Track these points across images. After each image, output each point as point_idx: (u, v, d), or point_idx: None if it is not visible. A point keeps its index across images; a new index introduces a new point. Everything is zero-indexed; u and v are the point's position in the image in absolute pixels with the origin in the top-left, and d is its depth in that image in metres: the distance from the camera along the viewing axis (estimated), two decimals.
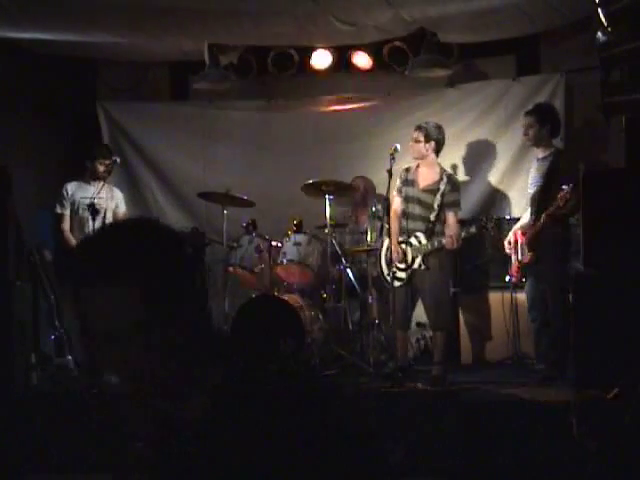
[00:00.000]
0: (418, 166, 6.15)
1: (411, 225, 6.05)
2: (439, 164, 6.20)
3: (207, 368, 1.36)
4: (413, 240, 6.07)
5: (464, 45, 7.35)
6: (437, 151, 6.18)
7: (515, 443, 4.92)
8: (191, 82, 7.95)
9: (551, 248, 6.03)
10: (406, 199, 6.09)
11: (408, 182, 6.13)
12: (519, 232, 6.25)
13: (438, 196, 6.06)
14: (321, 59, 7.65)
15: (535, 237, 6.01)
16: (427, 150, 6.15)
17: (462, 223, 6.30)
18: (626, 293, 4.95)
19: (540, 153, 6.17)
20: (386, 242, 6.30)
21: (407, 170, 6.23)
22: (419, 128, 6.19)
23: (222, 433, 1.29)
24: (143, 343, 1.28)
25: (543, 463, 4.80)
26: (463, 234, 6.00)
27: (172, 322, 1.30)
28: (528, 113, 6.21)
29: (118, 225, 1.38)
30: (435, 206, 6.06)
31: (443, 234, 6.03)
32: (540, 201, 6.04)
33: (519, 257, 6.19)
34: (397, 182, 6.26)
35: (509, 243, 6.26)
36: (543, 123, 6.12)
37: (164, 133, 8.09)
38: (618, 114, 5.33)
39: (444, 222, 6.10)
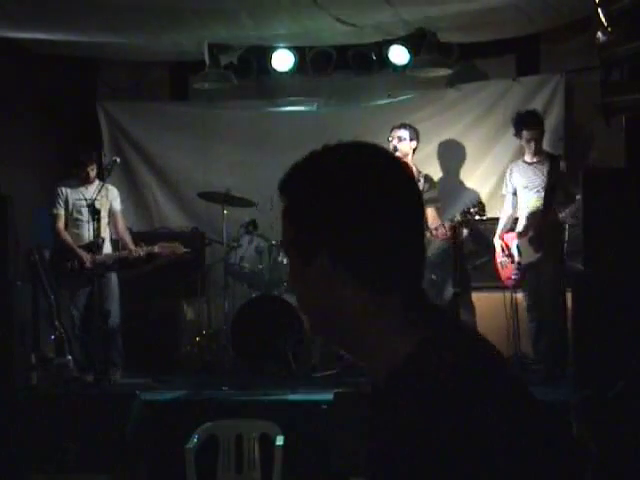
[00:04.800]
0: None
1: None
2: (414, 164, 6.31)
3: (400, 334, 1.16)
4: None
5: (464, 45, 7.35)
6: (414, 152, 6.31)
7: None
8: (191, 82, 7.95)
9: (551, 248, 6.06)
10: None
11: None
12: (508, 235, 6.28)
13: None
14: (320, 59, 7.65)
15: (539, 237, 6.03)
16: (410, 149, 6.26)
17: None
18: (626, 293, 4.95)
19: (533, 158, 6.21)
20: None
21: None
22: (404, 126, 6.27)
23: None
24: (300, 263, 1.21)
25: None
26: (448, 223, 6.07)
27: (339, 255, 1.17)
28: (533, 126, 6.19)
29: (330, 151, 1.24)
30: None
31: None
32: (547, 203, 6.07)
33: (516, 259, 6.20)
34: None
35: (502, 250, 6.28)
36: (541, 131, 6.21)
37: (164, 133, 8.08)
38: (618, 114, 5.33)
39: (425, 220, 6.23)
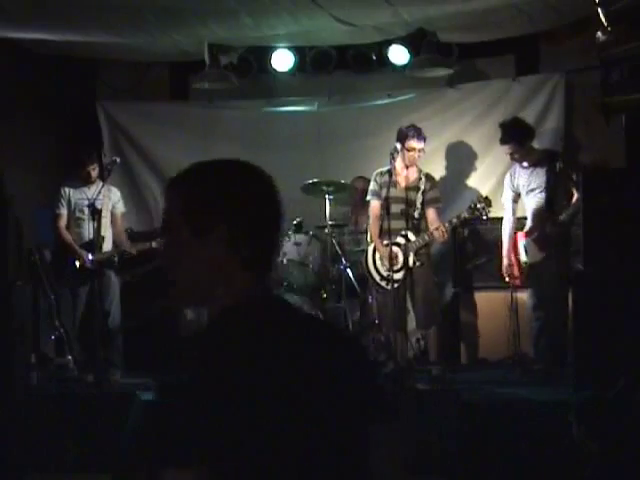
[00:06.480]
0: (394, 168, 6.19)
1: (394, 225, 6.05)
2: (416, 164, 6.31)
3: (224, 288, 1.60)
4: (400, 239, 6.12)
5: (464, 45, 7.35)
6: None
7: (515, 442, 4.93)
8: (191, 82, 7.95)
9: (555, 249, 6.05)
10: (387, 200, 6.09)
11: (387, 184, 6.14)
12: (516, 235, 6.28)
13: (419, 194, 6.19)
14: (320, 59, 7.64)
15: (543, 238, 6.03)
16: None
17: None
18: (626, 292, 4.95)
19: (527, 162, 6.20)
20: (370, 247, 6.36)
21: (383, 173, 6.28)
22: (423, 139, 6.22)
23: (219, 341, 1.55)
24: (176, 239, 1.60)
25: (543, 462, 4.80)
26: (455, 220, 6.07)
27: (207, 236, 1.56)
28: (505, 141, 6.19)
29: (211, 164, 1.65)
30: (418, 204, 6.19)
31: (427, 231, 6.16)
32: (546, 204, 6.06)
33: (522, 258, 6.20)
34: (372, 186, 6.36)
35: (510, 250, 6.27)
36: (523, 143, 6.16)
37: (164, 133, 8.08)
38: (618, 114, 5.33)
39: (425, 220, 6.21)
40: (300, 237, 6.78)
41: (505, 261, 6.30)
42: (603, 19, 4.69)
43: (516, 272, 6.25)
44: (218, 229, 1.56)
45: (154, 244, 6.60)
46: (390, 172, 6.18)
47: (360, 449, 1.58)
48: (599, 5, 4.72)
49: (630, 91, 5.11)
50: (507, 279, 6.32)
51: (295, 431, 1.47)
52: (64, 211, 6.66)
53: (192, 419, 1.40)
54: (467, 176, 7.57)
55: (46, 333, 6.58)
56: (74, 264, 6.49)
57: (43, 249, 6.71)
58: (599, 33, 4.76)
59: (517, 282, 6.29)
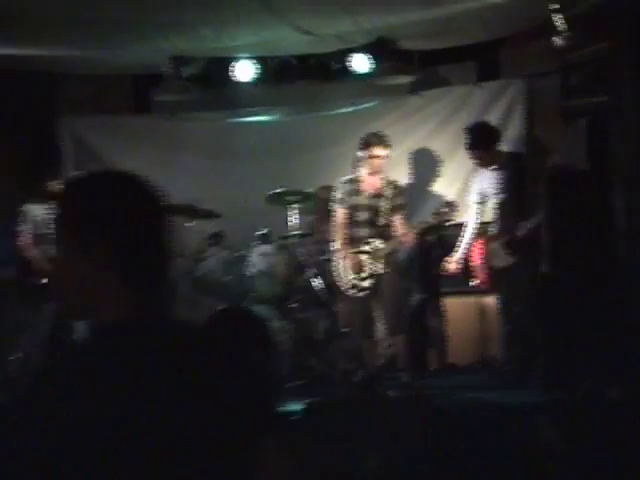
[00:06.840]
0: (359, 176, 6.20)
1: (360, 233, 6.07)
2: (380, 171, 6.29)
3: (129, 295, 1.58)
4: (366, 247, 6.11)
5: (425, 52, 7.38)
6: None
7: (485, 446, 4.93)
8: (152, 95, 7.90)
9: (525, 252, 6.05)
10: (352, 208, 6.12)
11: (352, 192, 6.17)
12: (482, 240, 6.29)
13: (385, 201, 6.17)
14: (283, 68, 7.64)
15: (512, 242, 6.03)
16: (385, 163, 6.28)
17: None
18: (591, 293, 4.99)
19: (493, 166, 6.22)
20: (337, 256, 6.33)
21: (347, 182, 6.28)
22: (387, 146, 6.20)
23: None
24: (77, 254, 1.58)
25: (513, 465, 4.81)
26: (420, 227, 6.07)
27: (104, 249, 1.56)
28: (473, 148, 6.19)
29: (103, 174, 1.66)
30: (383, 211, 6.15)
31: (393, 238, 6.13)
32: (513, 207, 6.07)
33: (493, 263, 6.18)
34: (337, 194, 6.31)
35: (477, 254, 6.28)
36: (489, 148, 6.18)
37: (127, 146, 8.00)
38: (578, 117, 5.38)
39: (392, 226, 6.19)
40: (267, 248, 6.75)
41: (453, 258, 6.32)
42: (559, 24, 4.74)
43: (483, 277, 6.25)
44: (103, 244, 1.56)
45: None
46: (354, 180, 6.18)
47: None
48: (556, 11, 4.77)
49: (590, 94, 5.16)
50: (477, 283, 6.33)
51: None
52: (25, 228, 6.62)
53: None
54: (432, 182, 7.59)
55: (11, 353, 6.49)
56: (38, 280, 6.43)
57: (6, 266, 6.65)
58: (556, 38, 4.81)
59: (484, 286, 6.29)
